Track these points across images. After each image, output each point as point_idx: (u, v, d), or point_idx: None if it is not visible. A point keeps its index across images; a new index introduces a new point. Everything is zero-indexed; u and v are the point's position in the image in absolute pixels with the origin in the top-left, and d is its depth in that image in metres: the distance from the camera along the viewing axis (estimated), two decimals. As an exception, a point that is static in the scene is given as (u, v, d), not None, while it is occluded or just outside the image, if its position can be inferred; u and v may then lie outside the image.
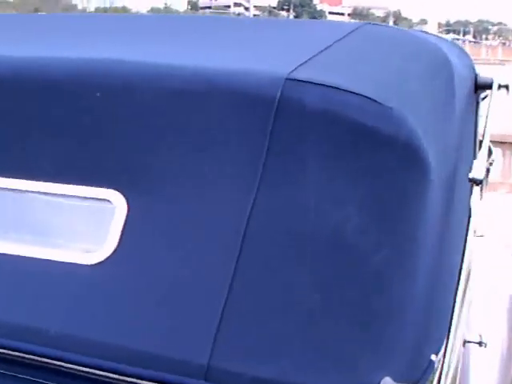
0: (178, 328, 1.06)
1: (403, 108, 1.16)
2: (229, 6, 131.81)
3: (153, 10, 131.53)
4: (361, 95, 1.13)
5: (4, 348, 1.10)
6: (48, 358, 1.07)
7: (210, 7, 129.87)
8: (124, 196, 1.13)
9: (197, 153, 1.12)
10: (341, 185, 1.10)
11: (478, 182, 1.28)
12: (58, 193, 1.17)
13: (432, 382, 1.12)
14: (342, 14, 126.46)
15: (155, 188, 1.12)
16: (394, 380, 1.03)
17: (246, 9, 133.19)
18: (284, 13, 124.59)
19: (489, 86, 2.03)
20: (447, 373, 1.15)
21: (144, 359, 1.04)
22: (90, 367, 1.05)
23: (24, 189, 1.20)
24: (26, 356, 1.09)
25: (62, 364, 1.06)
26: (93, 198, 1.16)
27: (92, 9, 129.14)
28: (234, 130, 1.12)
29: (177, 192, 1.11)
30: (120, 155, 1.15)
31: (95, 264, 1.11)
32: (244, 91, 1.13)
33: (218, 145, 1.12)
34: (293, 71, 1.15)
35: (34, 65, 1.25)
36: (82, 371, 1.06)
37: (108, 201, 1.14)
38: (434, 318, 1.16)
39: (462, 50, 2.23)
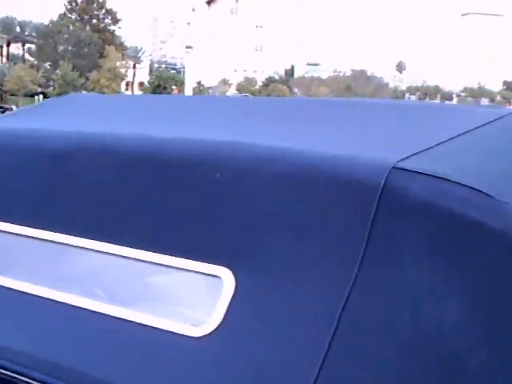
0: None
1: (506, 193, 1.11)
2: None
3: (465, 89, 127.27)
4: (471, 188, 1.09)
5: None
6: None
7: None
8: (233, 274, 1.17)
9: (300, 236, 1.16)
10: (442, 279, 1.06)
11: None
12: (173, 265, 1.24)
13: None
14: None
15: (261, 268, 1.16)
16: None
17: None
18: None
19: None
20: None
21: None
22: None
23: (140, 258, 1.28)
24: None
25: None
26: (204, 274, 1.21)
27: (403, 87, 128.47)
28: (336, 215, 1.14)
29: (280, 273, 1.14)
30: (232, 235, 1.20)
31: (201, 337, 1.15)
32: (349, 178, 1.14)
33: (320, 230, 1.14)
34: (402, 160, 1.14)
35: (156, 145, 1.36)
36: None
37: (218, 277, 1.18)
38: None
39: None
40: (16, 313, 1.35)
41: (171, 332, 1.18)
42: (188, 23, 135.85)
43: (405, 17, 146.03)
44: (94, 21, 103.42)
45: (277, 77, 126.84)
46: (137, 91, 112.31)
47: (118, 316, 1.25)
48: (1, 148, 1.55)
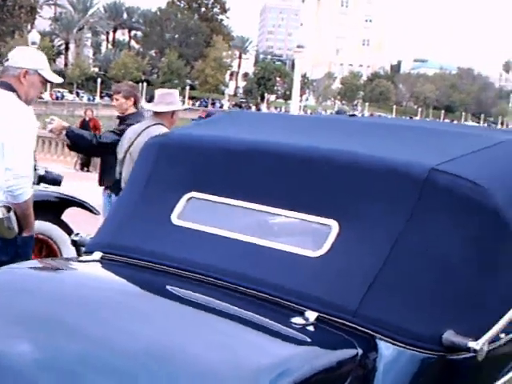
0: (345, 286, 1.88)
1: (493, 186, 1.94)
2: None
3: None
4: (470, 180, 1.90)
5: (254, 290, 1.96)
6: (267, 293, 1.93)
7: None
8: (338, 223, 1.96)
9: (373, 204, 1.94)
10: (457, 238, 1.90)
11: None
12: (303, 218, 2.04)
13: None
14: None
15: (353, 220, 1.95)
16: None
17: None
18: None
19: None
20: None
21: (326, 302, 1.86)
22: (297, 303, 1.88)
23: (283, 214, 2.10)
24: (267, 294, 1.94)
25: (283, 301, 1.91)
26: (320, 223, 2.00)
27: (510, 87, 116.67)
28: (394, 196, 1.93)
29: (362, 224, 1.93)
30: (338, 201, 2.00)
31: (317, 256, 1.94)
32: (405, 174, 1.93)
33: (385, 202, 1.94)
34: (438, 164, 1.92)
35: (293, 148, 2.15)
36: (287, 305, 1.89)
37: (329, 225, 1.98)
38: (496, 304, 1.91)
39: None
40: (208, 243, 2.13)
41: (299, 254, 1.96)
42: (300, 23, 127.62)
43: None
44: (203, 9, 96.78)
45: (382, 72, 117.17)
46: (241, 82, 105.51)
47: (270, 246, 2.04)
48: (196, 147, 2.37)
